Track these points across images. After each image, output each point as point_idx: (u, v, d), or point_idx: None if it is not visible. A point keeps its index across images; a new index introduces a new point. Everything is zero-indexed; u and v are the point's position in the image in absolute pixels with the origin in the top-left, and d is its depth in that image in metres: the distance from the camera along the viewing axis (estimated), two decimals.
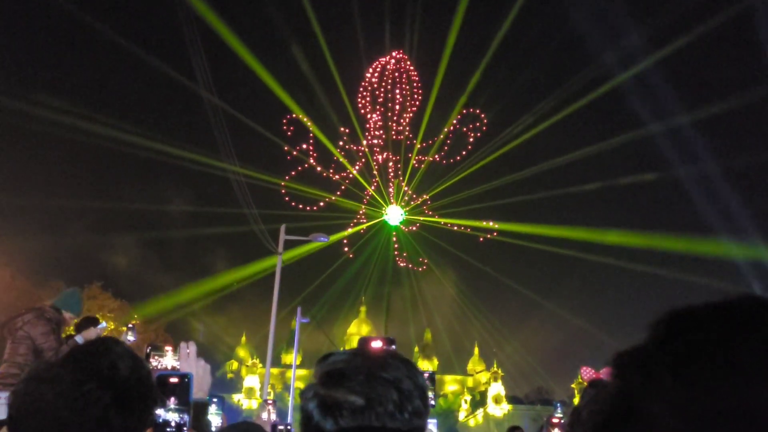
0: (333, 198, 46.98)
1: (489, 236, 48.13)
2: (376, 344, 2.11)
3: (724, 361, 0.47)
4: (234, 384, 66.43)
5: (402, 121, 49.22)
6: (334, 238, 46.45)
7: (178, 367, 2.38)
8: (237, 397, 62.25)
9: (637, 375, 0.51)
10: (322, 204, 46.44)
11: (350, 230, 47.01)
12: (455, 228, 49.04)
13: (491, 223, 48.23)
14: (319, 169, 47.27)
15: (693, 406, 0.46)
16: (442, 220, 48.84)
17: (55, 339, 6.32)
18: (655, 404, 0.48)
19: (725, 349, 0.47)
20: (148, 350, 2.50)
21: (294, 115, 48.32)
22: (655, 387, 0.49)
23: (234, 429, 2.57)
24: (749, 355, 0.46)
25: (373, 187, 48.78)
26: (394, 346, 2.33)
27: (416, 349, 66.93)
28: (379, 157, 48.92)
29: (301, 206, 45.60)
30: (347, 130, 49.35)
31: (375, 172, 48.75)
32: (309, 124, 47.99)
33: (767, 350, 0.46)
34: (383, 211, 48.66)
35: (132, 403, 1.50)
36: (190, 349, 2.36)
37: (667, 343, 0.51)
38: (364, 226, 47.99)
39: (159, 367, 2.47)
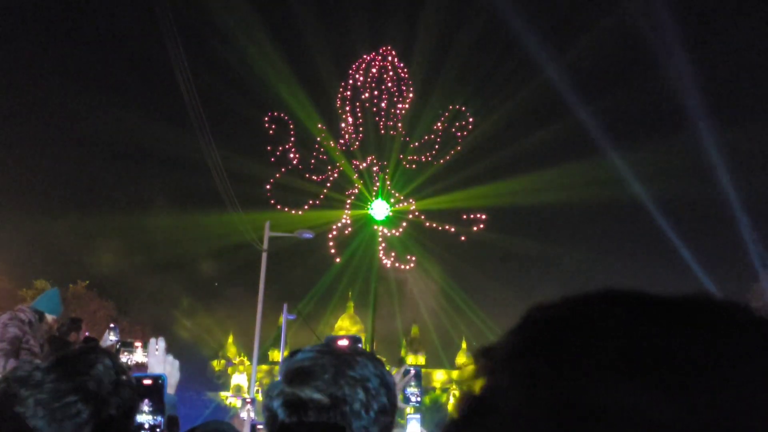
0: (317, 201, 46.52)
1: (476, 228, 47.81)
2: (342, 343, 2.11)
3: (568, 358, 0.46)
4: (222, 382, 66.27)
5: (392, 117, 48.85)
6: (323, 214, 46.41)
7: (147, 363, 2.40)
8: (226, 395, 62.19)
9: (490, 370, 0.51)
10: (306, 207, 45.96)
11: (337, 224, 46.67)
12: (440, 229, 48.69)
13: (479, 216, 47.91)
14: (300, 167, 46.78)
15: (536, 402, 0.45)
16: (428, 222, 48.53)
17: (31, 342, 6.14)
18: (504, 399, 0.48)
19: (569, 346, 0.47)
20: (118, 346, 2.51)
21: (276, 113, 47.69)
22: (503, 381, 0.49)
23: (203, 428, 2.57)
24: (592, 353, 0.45)
25: (356, 189, 48.43)
26: (360, 345, 2.34)
27: (404, 343, 66.98)
28: (367, 158, 48.54)
29: (287, 209, 45.11)
30: (337, 127, 48.90)
31: (361, 167, 48.43)
32: (290, 123, 47.40)
33: (614, 349, 0.45)
34: (368, 206, 48.45)
35: (110, 423, 1.47)
36: (159, 345, 2.37)
37: (518, 338, 0.51)
38: (348, 213, 47.58)
39: (129, 363, 2.48)
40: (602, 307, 0.49)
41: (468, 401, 0.51)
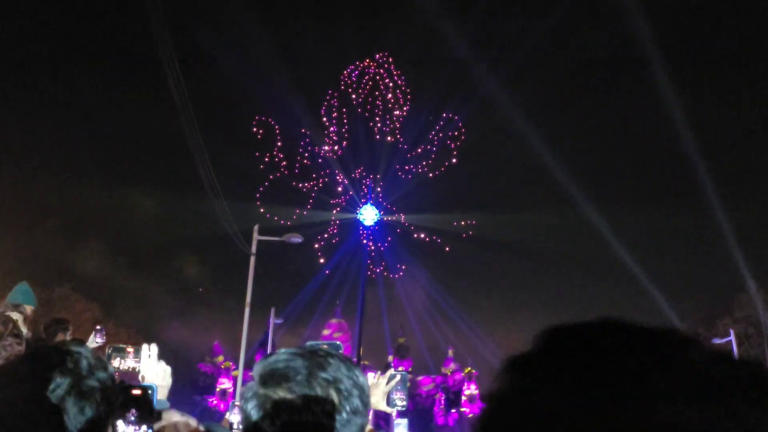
0: (306, 209, 46.31)
1: (465, 235, 47.88)
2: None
3: (583, 376, 0.53)
4: (209, 386, 65.79)
5: (388, 123, 48.61)
6: (312, 217, 46.19)
7: (139, 368, 2.41)
8: (212, 400, 61.76)
9: (519, 378, 0.59)
10: (294, 216, 45.72)
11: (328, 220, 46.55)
12: (428, 239, 48.59)
13: (466, 223, 48.00)
14: (286, 172, 46.52)
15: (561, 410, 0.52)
16: (416, 234, 48.44)
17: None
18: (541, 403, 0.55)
19: (584, 366, 0.55)
20: (109, 351, 2.51)
21: (264, 117, 47.34)
22: (533, 389, 0.57)
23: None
24: (603, 376, 0.53)
25: (348, 195, 48.25)
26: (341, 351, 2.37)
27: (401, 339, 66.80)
28: (358, 164, 48.36)
29: (276, 218, 44.80)
30: (328, 133, 48.71)
31: (353, 175, 48.30)
32: (276, 128, 47.06)
33: (617, 374, 0.52)
34: (358, 211, 48.45)
35: (90, 394, 1.49)
36: (151, 350, 2.38)
37: (540, 354, 0.60)
38: (336, 219, 47.45)
39: (120, 368, 2.48)
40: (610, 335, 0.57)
41: (504, 405, 0.59)
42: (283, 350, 1.46)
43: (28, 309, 6.57)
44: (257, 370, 1.41)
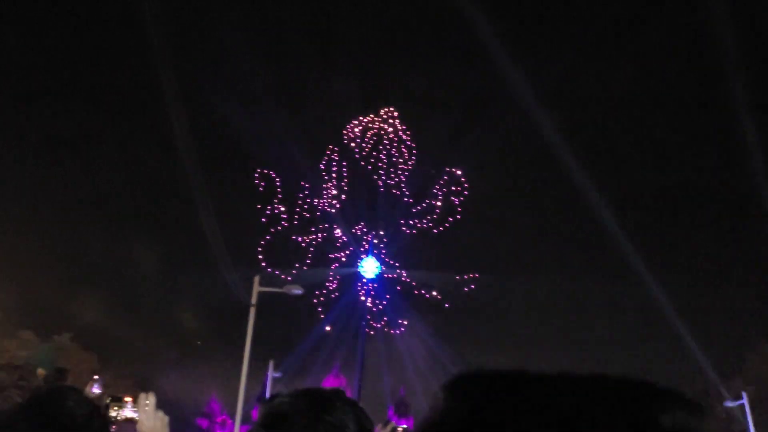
0: (306, 264, 46.04)
1: (466, 289, 47.34)
2: None
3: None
4: None
5: (393, 177, 48.51)
6: (312, 272, 45.78)
7: (137, 418, 2.45)
8: None
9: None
10: (294, 271, 45.37)
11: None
12: (428, 296, 48.09)
13: (470, 276, 47.51)
14: (286, 225, 46.37)
15: None
16: (417, 290, 47.96)
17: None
18: None
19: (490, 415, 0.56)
20: (108, 401, 2.55)
21: (265, 170, 47.47)
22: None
23: None
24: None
25: (349, 251, 47.99)
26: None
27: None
28: (358, 220, 48.21)
29: (277, 272, 44.35)
30: (329, 186, 48.79)
31: (354, 231, 48.13)
32: (278, 180, 47.10)
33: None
34: (359, 263, 48.19)
35: None
36: (149, 400, 2.43)
37: (447, 404, 0.62)
38: (336, 274, 47.14)
39: (118, 417, 2.52)
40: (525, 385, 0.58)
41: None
42: (287, 392, 1.43)
43: (40, 372, 6.58)
44: (261, 411, 1.39)
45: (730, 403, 29.71)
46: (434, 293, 47.57)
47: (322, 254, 47.24)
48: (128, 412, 2.62)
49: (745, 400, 27.03)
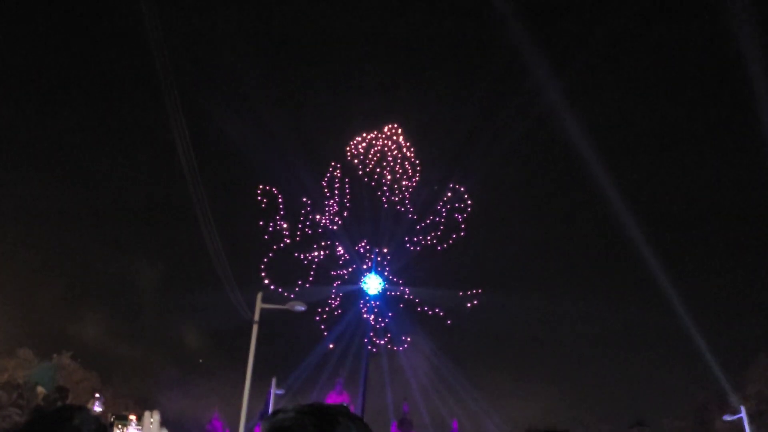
0: (308, 281, 45.90)
1: (470, 305, 47.17)
2: None
3: None
4: None
5: (396, 193, 48.45)
6: (316, 289, 45.63)
7: None
8: None
9: None
10: (297, 288, 45.19)
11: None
12: (431, 313, 47.86)
13: (473, 292, 47.31)
14: (288, 241, 46.26)
15: None
16: (419, 307, 47.76)
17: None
18: None
19: None
20: (112, 419, 2.47)
21: (267, 187, 47.45)
22: None
23: None
24: None
25: (351, 268, 47.83)
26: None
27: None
28: (362, 236, 48.10)
29: (280, 290, 44.14)
30: (332, 203, 48.72)
31: (358, 248, 47.99)
32: (280, 197, 47.06)
33: None
34: (362, 279, 48.01)
35: None
36: (154, 418, 2.34)
37: None
38: (339, 292, 46.96)
39: None
40: None
41: None
42: (291, 407, 1.39)
43: (40, 391, 6.47)
44: (264, 427, 1.36)
45: (728, 418, 30.08)
46: (437, 310, 47.34)
47: (325, 271, 47.09)
48: (132, 431, 2.53)
49: (743, 414, 27.29)
